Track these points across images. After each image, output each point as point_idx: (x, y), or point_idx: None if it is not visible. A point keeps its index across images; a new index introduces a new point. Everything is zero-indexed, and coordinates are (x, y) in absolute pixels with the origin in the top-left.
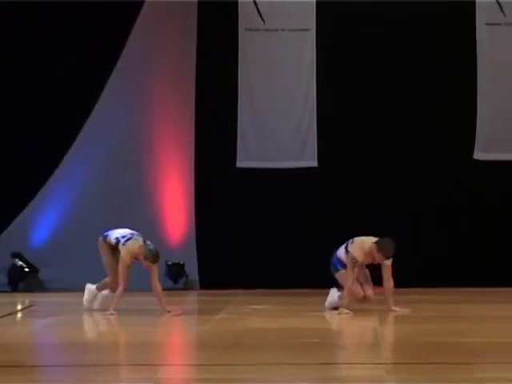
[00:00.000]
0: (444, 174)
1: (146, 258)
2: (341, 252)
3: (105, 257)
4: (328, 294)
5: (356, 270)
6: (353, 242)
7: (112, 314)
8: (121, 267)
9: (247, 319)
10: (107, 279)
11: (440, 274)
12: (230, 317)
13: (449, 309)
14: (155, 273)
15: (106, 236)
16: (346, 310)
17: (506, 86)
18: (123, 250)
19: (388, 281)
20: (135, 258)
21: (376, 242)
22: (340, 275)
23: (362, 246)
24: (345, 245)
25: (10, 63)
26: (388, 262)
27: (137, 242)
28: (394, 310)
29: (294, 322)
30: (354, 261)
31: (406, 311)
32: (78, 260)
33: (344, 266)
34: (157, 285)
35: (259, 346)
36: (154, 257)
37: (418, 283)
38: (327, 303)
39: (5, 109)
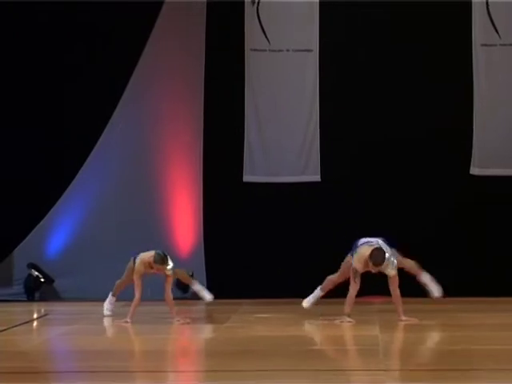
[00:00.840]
0: (444, 187)
1: (155, 261)
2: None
3: (126, 274)
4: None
5: (358, 280)
6: (356, 251)
7: (126, 322)
8: (134, 276)
9: (252, 327)
10: (118, 281)
11: (443, 284)
12: (235, 325)
13: (452, 317)
14: (169, 282)
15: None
16: (348, 319)
17: (501, 104)
18: (137, 261)
19: (394, 291)
20: (150, 267)
21: (370, 253)
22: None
23: (360, 257)
24: (358, 243)
25: (25, 75)
26: (392, 272)
27: (149, 252)
28: (402, 320)
29: (297, 330)
30: (355, 270)
31: (415, 320)
32: (92, 270)
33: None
34: (169, 293)
35: (263, 354)
36: (161, 259)
37: (422, 293)
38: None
39: (19, 123)
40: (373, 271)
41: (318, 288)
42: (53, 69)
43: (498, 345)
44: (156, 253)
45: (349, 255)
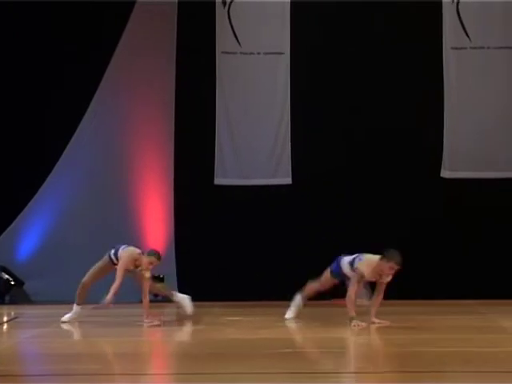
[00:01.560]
0: (416, 189)
1: (149, 254)
2: (345, 267)
3: (98, 266)
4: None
5: (361, 284)
6: (361, 259)
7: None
8: (121, 270)
9: (224, 330)
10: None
11: (416, 287)
12: (207, 328)
13: (420, 320)
14: (147, 284)
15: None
16: (360, 322)
17: (471, 108)
18: (125, 254)
19: (380, 295)
20: (135, 266)
21: (383, 256)
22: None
23: (370, 263)
24: (350, 260)
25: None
26: (388, 279)
27: (129, 248)
28: (374, 322)
29: (267, 332)
30: (362, 276)
31: (386, 323)
32: (63, 273)
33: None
34: (147, 295)
35: (233, 356)
36: (157, 253)
37: (394, 295)
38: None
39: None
40: (383, 279)
41: (299, 296)
42: (20, 71)
43: (453, 347)
44: (150, 249)
45: (328, 269)
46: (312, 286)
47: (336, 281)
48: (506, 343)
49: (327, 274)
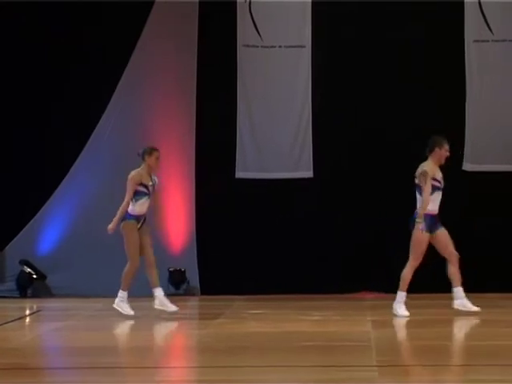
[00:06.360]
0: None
1: (148, 154)
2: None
3: (129, 237)
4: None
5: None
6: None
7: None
8: (128, 189)
9: (244, 323)
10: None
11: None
12: (228, 321)
13: (442, 313)
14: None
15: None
16: (423, 227)
17: (493, 100)
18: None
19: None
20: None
21: (432, 149)
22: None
23: (426, 163)
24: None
25: (18, 72)
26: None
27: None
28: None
29: (288, 325)
30: (425, 174)
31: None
32: (84, 267)
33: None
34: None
35: (255, 349)
36: (151, 147)
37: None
38: None
39: (13, 120)
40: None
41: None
42: (40, 72)
43: (477, 341)
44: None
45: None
46: (406, 273)
47: (425, 238)
48: None
49: (413, 242)
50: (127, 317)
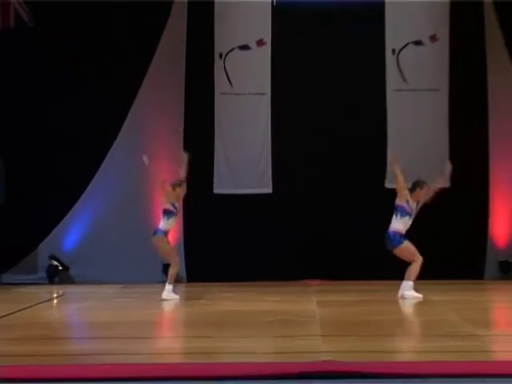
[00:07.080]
0: (363, 199)
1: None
2: (394, 226)
3: (166, 247)
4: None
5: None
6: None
7: None
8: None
9: (221, 304)
10: (170, 269)
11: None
12: (209, 302)
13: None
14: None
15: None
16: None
17: (409, 138)
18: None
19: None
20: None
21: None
22: (401, 249)
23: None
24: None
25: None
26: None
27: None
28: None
29: (255, 305)
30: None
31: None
32: (100, 260)
33: (400, 241)
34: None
35: (230, 324)
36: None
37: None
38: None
39: (42, 127)
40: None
41: (406, 283)
42: (59, 83)
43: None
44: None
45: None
46: (413, 268)
47: (407, 243)
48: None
49: (402, 253)
50: (133, 298)
